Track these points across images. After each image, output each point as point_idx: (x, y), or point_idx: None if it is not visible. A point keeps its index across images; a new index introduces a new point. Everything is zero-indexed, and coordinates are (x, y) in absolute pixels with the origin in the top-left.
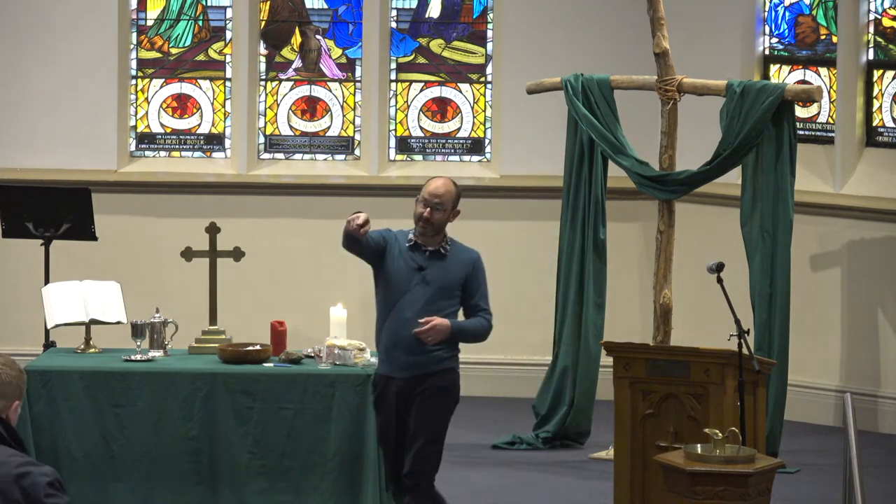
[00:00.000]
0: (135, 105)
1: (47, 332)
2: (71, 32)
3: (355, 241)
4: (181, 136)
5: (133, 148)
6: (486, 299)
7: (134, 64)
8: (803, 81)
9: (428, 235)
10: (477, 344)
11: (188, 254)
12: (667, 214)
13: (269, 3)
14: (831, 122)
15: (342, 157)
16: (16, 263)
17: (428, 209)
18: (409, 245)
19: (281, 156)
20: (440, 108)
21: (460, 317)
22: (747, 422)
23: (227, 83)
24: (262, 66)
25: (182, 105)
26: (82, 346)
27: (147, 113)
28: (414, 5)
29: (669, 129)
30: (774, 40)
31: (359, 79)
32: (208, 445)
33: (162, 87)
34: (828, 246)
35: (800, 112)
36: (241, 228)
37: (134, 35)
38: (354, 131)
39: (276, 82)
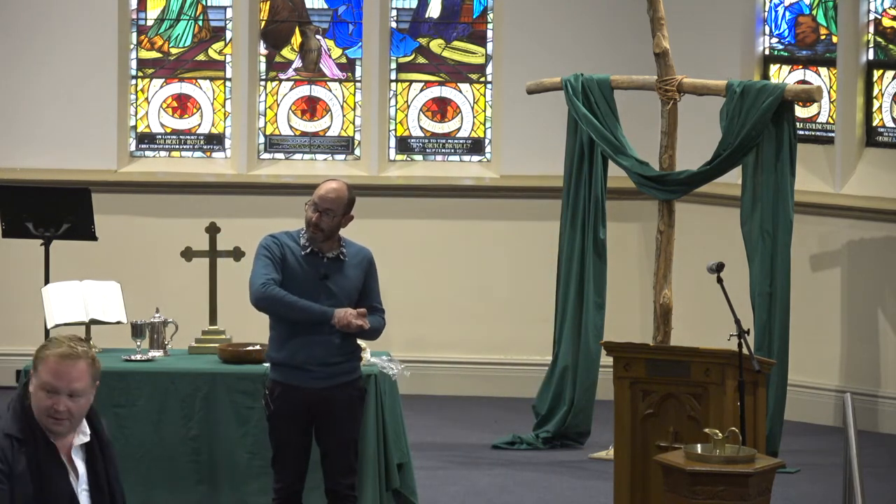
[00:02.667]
0: (135, 105)
1: (47, 332)
2: (71, 32)
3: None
4: (181, 136)
5: (133, 148)
6: (379, 298)
7: (134, 64)
8: (803, 81)
9: (318, 241)
10: (477, 344)
11: (188, 254)
12: (667, 214)
13: (269, 3)
14: (831, 122)
15: (342, 157)
16: (16, 263)
17: (317, 214)
18: (307, 252)
19: (281, 156)
20: (440, 108)
21: None
22: (747, 422)
23: (227, 83)
24: (262, 66)
25: (182, 105)
26: None
27: (147, 113)
28: (414, 5)
29: (669, 129)
30: (774, 40)
31: (359, 79)
32: (208, 445)
33: (162, 87)
34: (828, 246)
35: (800, 112)
36: (241, 228)
37: (134, 35)
38: (354, 131)
39: (276, 82)
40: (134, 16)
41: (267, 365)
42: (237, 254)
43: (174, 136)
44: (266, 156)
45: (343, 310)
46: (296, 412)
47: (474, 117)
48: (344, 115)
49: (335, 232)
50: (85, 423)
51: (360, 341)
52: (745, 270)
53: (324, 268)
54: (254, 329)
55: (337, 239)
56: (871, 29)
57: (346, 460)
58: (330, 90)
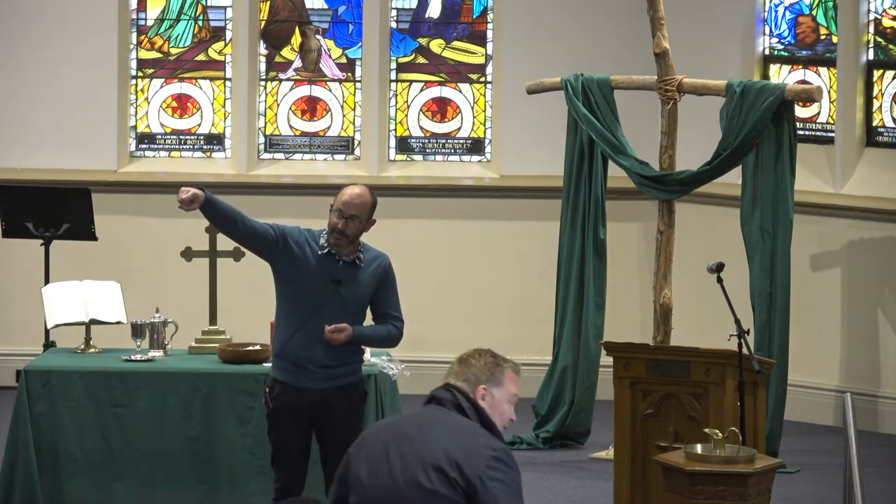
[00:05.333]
0: (135, 105)
1: (47, 332)
2: (71, 32)
3: (218, 219)
4: (181, 136)
5: (133, 148)
6: (396, 306)
7: (134, 64)
8: (803, 81)
9: (342, 246)
10: (477, 344)
11: (188, 254)
12: (667, 214)
13: (269, 3)
14: (831, 122)
15: (342, 157)
16: (16, 263)
17: (342, 221)
18: (323, 253)
19: (281, 156)
20: (440, 108)
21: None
22: (747, 422)
23: (227, 83)
24: (262, 66)
25: (182, 105)
26: (82, 346)
27: (147, 113)
28: (414, 5)
29: (669, 129)
30: (774, 40)
31: (359, 79)
32: (208, 445)
33: (162, 87)
34: (828, 246)
35: (800, 112)
36: None
37: (134, 35)
38: (354, 131)
39: (276, 82)
40: (134, 16)
41: (270, 364)
42: (237, 254)
43: (174, 136)
44: (266, 156)
45: None
46: (295, 412)
47: (474, 117)
48: (344, 115)
49: (359, 237)
50: None
51: (369, 349)
52: (745, 270)
53: (338, 272)
54: (254, 329)
55: (357, 243)
56: (871, 29)
57: None
58: (330, 90)
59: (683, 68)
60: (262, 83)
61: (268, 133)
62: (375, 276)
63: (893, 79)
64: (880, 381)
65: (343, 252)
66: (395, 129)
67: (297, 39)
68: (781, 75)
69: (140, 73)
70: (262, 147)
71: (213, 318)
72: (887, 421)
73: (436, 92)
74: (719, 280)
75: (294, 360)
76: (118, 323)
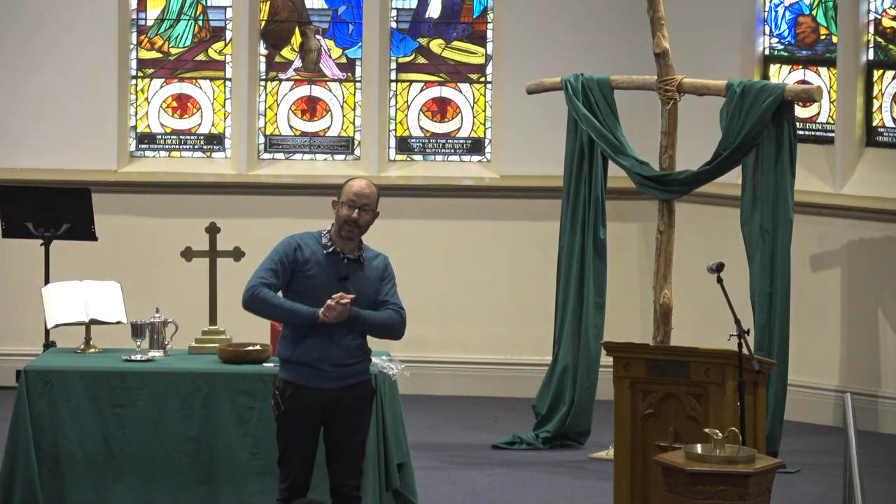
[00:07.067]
0: (135, 105)
1: (47, 332)
2: (71, 32)
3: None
4: (181, 136)
5: (133, 148)
6: (395, 296)
7: (134, 64)
8: (803, 81)
9: (354, 239)
10: (477, 344)
11: (188, 254)
12: (667, 214)
13: (269, 3)
14: (831, 122)
15: (342, 157)
16: (16, 263)
17: (356, 211)
18: (328, 252)
19: (281, 156)
20: (440, 108)
21: None
22: (747, 422)
23: (227, 83)
24: (262, 66)
25: (182, 105)
26: (82, 346)
27: (147, 113)
28: (414, 5)
29: (669, 129)
30: (774, 40)
31: (359, 79)
32: (208, 445)
33: (162, 87)
34: (828, 246)
35: (800, 112)
36: (241, 228)
37: (134, 35)
38: (354, 131)
39: (276, 82)
40: (134, 16)
41: (271, 364)
42: (237, 254)
43: (174, 136)
44: (266, 156)
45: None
46: (307, 413)
47: (474, 117)
48: (344, 115)
49: (367, 229)
50: None
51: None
52: (745, 270)
53: (344, 268)
54: (254, 329)
55: (358, 242)
56: (871, 29)
57: (354, 461)
58: (330, 90)
59: (683, 68)
60: (262, 83)
61: (268, 133)
62: (378, 271)
63: (893, 79)
64: (880, 381)
65: (346, 249)
66: (395, 129)
67: (297, 39)
68: (781, 75)
69: (140, 73)
70: (262, 147)
71: (213, 318)
72: (887, 421)
73: (436, 92)
74: (719, 280)
75: (307, 361)
76: (118, 323)
